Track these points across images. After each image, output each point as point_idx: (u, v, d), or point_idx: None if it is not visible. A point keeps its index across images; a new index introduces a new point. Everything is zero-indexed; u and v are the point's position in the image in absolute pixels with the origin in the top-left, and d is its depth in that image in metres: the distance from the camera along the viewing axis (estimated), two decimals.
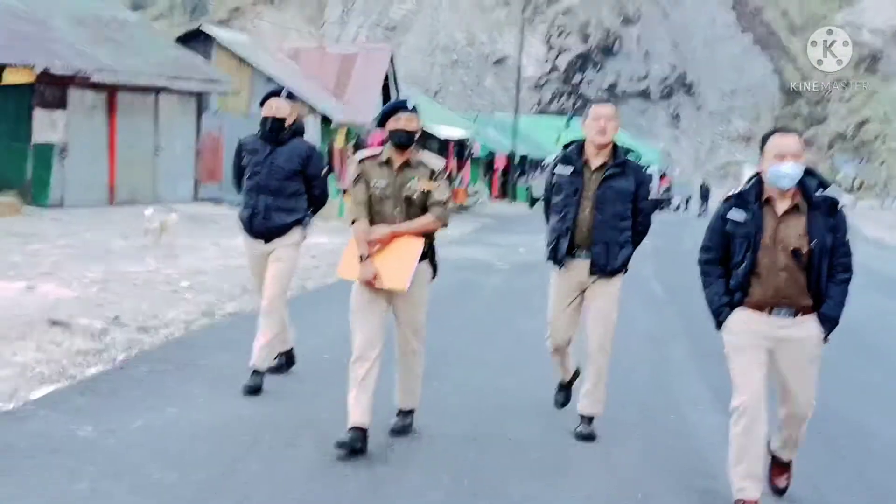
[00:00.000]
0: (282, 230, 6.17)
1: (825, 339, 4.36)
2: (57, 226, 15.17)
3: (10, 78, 16.11)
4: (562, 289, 5.56)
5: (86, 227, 15.30)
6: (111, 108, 19.03)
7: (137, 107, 19.64)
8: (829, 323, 4.32)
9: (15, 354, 6.61)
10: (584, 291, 5.49)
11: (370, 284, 5.01)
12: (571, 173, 5.44)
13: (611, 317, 5.47)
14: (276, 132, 6.15)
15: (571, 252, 5.43)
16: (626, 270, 5.50)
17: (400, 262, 4.99)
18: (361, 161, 5.21)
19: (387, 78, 27.58)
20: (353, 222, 5.13)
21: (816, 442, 5.18)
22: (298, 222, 6.24)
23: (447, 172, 5.24)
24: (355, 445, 4.84)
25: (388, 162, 5.13)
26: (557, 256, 5.47)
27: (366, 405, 4.94)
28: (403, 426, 5.36)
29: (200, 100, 21.59)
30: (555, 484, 4.74)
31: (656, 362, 8.07)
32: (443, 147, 31.76)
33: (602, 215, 5.35)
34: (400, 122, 5.05)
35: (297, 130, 6.30)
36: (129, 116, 19.42)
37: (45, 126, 17.51)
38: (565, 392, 6.00)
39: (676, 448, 5.51)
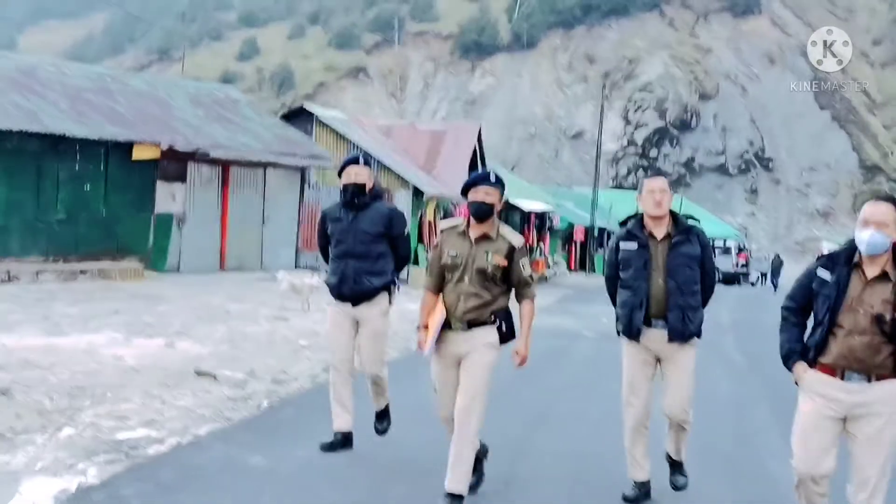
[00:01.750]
0: (371, 294, 6.30)
1: None
2: (177, 289, 16.44)
3: (139, 154, 17.68)
4: (637, 361, 5.57)
5: (202, 290, 16.55)
6: (224, 181, 20.52)
7: (247, 180, 21.10)
8: None
9: (176, 399, 7.65)
10: (658, 361, 5.56)
11: (440, 355, 5.26)
12: (638, 247, 5.50)
13: (690, 384, 5.53)
14: (358, 197, 6.29)
15: (647, 323, 5.47)
16: (700, 335, 5.56)
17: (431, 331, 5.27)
18: (442, 231, 5.33)
19: (475, 153, 28.77)
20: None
21: None
22: (386, 287, 6.37)
23: (527, 247, 5.32)
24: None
25: (465, 232, 5.19)
26: (633, 330, 5.50)
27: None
28: None
29: (304, 173, 22.97)
30: None
31: (739, 421, 8.70)
32: (524, 219, 32.75)
33: (675, 282, 5.42)
34: (479, 194, 5.09)
35: (377, 195, 6.45)
36: (240, 189, 20.88)
37: (166, 197, 19.06)
38: (641, 491, 5.69)
39: (758, 494, 6.15)
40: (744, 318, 21.61)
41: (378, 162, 23.80)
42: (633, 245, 5.53)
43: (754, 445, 7.76)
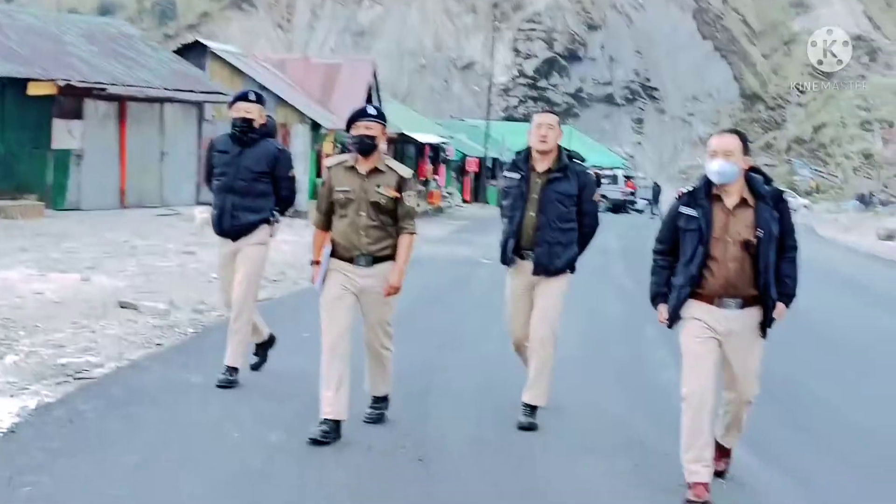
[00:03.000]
0: (248, 229, 6.28)
1: (782, 309, 4.60)
2: (80, 227, 16.45)
3: (35, 90, 17.44)
4: (515, 289, 5.81)
5: (105, 227, 16.60)
6: (121, 117, 20.36)
7: (145, 116, 20.99)
8: (788, 298, 4.61)
9: (105, 329, 8.02)
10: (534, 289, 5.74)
11: (337, 282, 5.30)
12: (519, 179, 5.69)
13: (553, 312, 5.70)
14: (245, 133, 6.23)
15: (520, 254, 5.69)
16: (573, 270, 5.78)
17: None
18: (329, 168, 5.38)
19: (370, 88, 29.05)
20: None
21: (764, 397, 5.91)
22: (265, 221, 6.34)
23: (416, 180, 5.64)
24: (328, 439, 5.17)
25: (354, 167, 5.26)
26: (505, 258, 5.76)
27: (341, 399, 5.25)
28: (378, 415, 5.63)
29: (201, 109, 22.95)
30: (556, 424, 5.96)
31: (630, 339, 9.50)
32: (419, 151, 33.27)
33: (545, 217, 5.59)
34: (359, 128, 5.16)
35: (268, 132, 6.41)
36: (137, 125, 20.76)
37: (64, 134, 18.86)
38: None
39: (650, 402, 6.84)
40: (631, 245, 22.61)
41: (275, 95, 23.88)
42: (515, 176, 5.74)
43: (644, 360, 8.49)
